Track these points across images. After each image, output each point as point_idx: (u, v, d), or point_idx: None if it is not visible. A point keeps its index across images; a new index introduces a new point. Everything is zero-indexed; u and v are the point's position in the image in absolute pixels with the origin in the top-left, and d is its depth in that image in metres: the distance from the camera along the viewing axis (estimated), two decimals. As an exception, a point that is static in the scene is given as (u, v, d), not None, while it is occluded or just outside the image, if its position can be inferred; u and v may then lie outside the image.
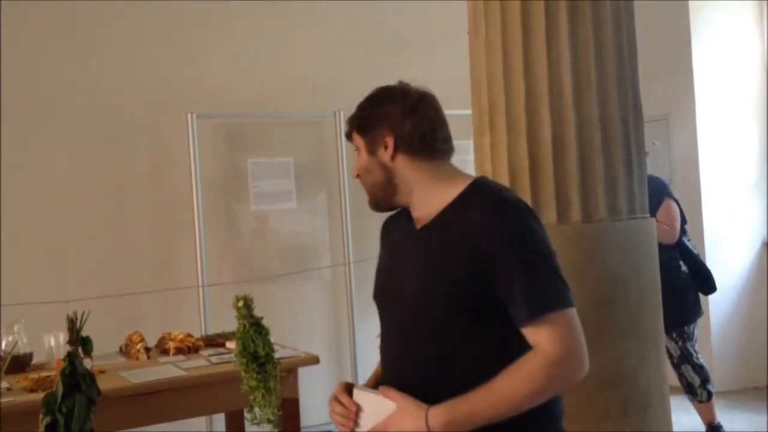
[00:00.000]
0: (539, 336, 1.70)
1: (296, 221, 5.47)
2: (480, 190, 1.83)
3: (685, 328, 4.43)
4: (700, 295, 4.56)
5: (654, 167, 4.53)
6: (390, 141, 1.85)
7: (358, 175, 1.94)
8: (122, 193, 5.00)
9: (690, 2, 5.76)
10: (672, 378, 4.31)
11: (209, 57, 5.23)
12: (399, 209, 2.00)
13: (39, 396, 2.74)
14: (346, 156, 5.38)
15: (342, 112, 5.35)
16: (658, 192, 4.36)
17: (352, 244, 5.34)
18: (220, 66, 5.24)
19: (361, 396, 1.86)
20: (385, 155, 1.86)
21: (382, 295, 1.96)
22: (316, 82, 5.44)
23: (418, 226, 1.87)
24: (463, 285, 1.74)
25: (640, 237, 2.88)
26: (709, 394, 4.45)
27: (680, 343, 4.42)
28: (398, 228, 1.97)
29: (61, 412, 2.34)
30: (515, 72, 2.82)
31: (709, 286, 4.55)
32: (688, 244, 4.53)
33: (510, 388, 1.68)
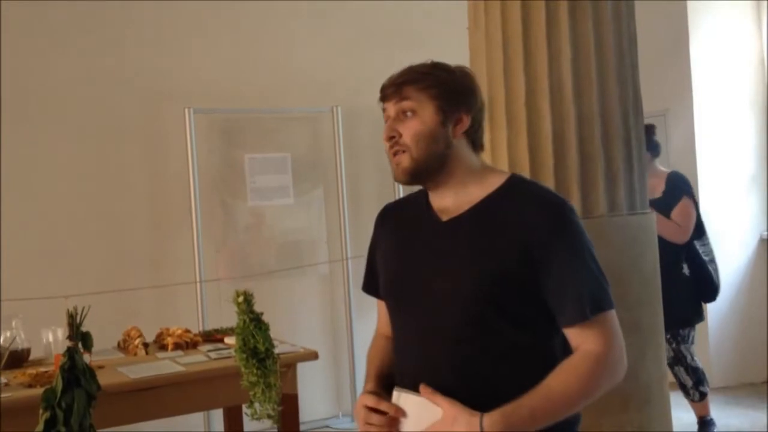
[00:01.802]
0: (587, 336, 1.68)
1: (293, 217, 5.46)
2: (522, 186, 1.80)
3: (680, 330, 4.35)
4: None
5: (651, 163, 4.52)
6: (467, 120, 1.78)
7: (392, 138, 1.77)
8: (119, 188, 4.99)
9: (688, -2, 5.78)
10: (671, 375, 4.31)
11: (207, 52, 5.21)
12: (401, 199, 1.98)
13: (37, 391, 2.74)
14: (344, 151, 5.37)
15: (339, 107, 5.35)
16: (679, 189, 4.35)
17: (350, 240, 5.34)
18: (217, 61, 5.22)
19: (402, 399, 1.74)
20: (454, 130, 1.77)
21: (400, 290, 1.84)
22: (314, 77, 5.43)
23: (445, 217, 1.78)
24: (507, 281, 1.69)
25: (640, 232, 2.88)
26: (702, 395, 4.42)
27: (673, 344, 4.36)
28: (410, 218, 1.88)
29: (60, 407, 2.33)
30: (515, 67, 2.81)
31: (709, 293, 4.44)
32: (699, 248, 4.41)
33: (566, 391, 1.65)
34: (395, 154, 1.77)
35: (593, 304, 1.68)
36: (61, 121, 4.84)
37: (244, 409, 2.76)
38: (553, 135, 2.78)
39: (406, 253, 1.85)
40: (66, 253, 4.78)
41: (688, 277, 4.38)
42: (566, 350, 1.73)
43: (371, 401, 1.78)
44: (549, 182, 2.76)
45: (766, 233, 5.85)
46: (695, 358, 4.44)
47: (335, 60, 5.50)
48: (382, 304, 1.96)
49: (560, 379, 1.66)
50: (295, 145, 5.46)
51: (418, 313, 1.78)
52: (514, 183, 1.79)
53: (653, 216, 2.96)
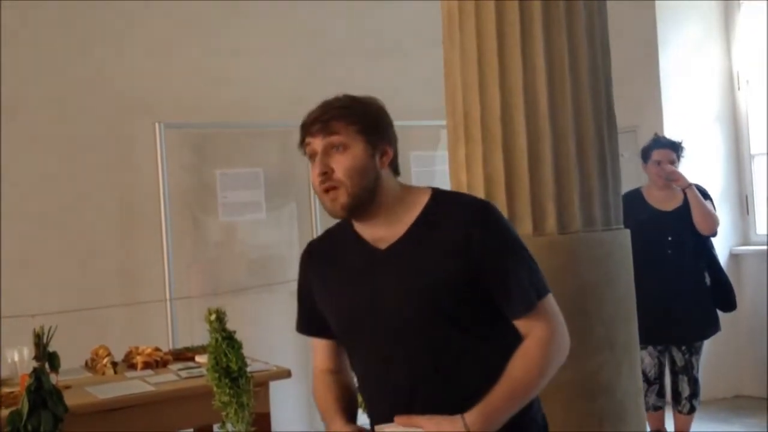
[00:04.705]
0: (533, 322, 1.81)
1: (265, 232, 5.41)
2: (446, 198, 1.90)
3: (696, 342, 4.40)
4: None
5: (623, 179, 4.55)
6: (391, 151, 1.87)
7: (325, 173, 1.81)
8: (88, 204, 4.91)
9: (657, 15, 5.83)
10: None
11: (177, 66, 5.17)
12: (323, 235, 2.04)
13: (2, 413, 2.67)
14: (316, 167, 5.33)
15: (312, 123, 5.31)
16: (702, 194, 4.44)
17: (322, 256, 5.30)
18: (188, 75, 5.17)
19: None
20: (381, 161, 1.85)
21: (358, 324, 1.88)
22: (286, 92, 5.39)
23: (383, 245, 1.85)
24: (457, 290, 1.78)
25: (615, 248, 2.87)
26: (692, 409, 4.45)
27: (686, 355, 4.40)
28: (343, 253, 1.92)
29: (26, 430, 2.27)
30: (490, 82, 2.81)
31: (727, 303, 4.47)
32: (716, 257, 4.48)
33: (526, 377, 1.78)
34: (327, 190, 1.81)
35: (536, 292, 1.82)
36: (29, 135, 4.76)
37: (216, 429, 2.71)
38: (529, 150, 2.77)
39: (353, 289, 1.89)
40: (33, 270, 4.68)
41: (709, 287, 4.43)
42: (517, 335, 1.84)
43: None
44: (524, 197, 2.76)
45: (736, 248, 5.90)
46: (699, 370, 4.46)
47: (307, 75, 5.47)
48: (318, 342, 2.02)
49: (520, 367, 1.78)
50: (267, 160, 5.42)
51: (381, 341, 1.84)
52: (438, 198, 1.89)
53: (628, 232, 2.95)
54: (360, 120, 1.83)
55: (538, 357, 1.79)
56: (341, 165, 1.81)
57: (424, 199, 1.87)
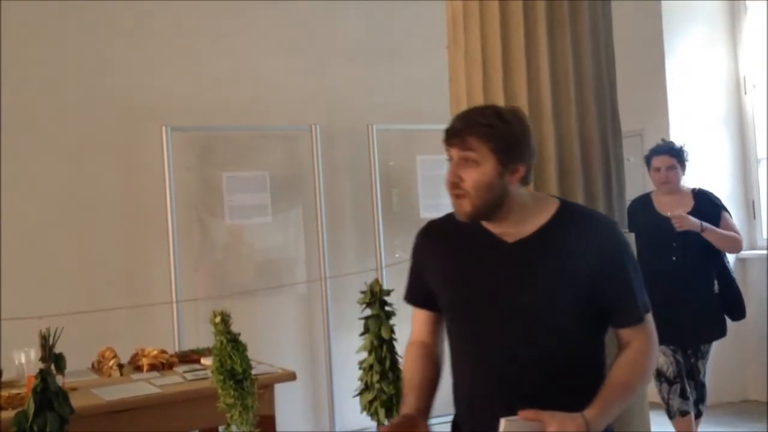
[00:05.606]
0: (637, 334, 1.99)
1: (272, 235, 5.44)
2: (577, 210, 2.11)
3: (701, 346, 4.37)
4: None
5: (628, 183, 4.54)
6: (522, 170, 1.97)
7: (454, 182, 1.94)
8: (95, 206, 4.94)
9: (664, 18, 5.83)
10: (651, 395, 4.28)
11: (185, 70, 5.19)
12: (445, 218, 2.12)
13: (9, 414, 2.69)
14: (322, 170, 5.35)
15: (318, 126, 5.33)
16: (715, 205, 4.42)
17: (328, 259, 5.30)
18: (195, 79, 5.20)
19: (511, 427, 1.81)
20: (511, 179, 1.96)
21: (474, 307, 2.00)
22: (292, 96, 5.42)
23: (510, 239, 1.99)
24: (581, 294, 1.94)
25: (619, 251, 2.86)
26: (698, 413, 4.40)
27: (692, 359, 4.37)
28: (466, 237, 2.03)
29: (32, 431, 2.28)
30: (494, 85, 2.80)
31: (737, 311, 4.42)
32: (727, 265, 4.43)
33: (632, 383, 1.95)
34: (457, 196, 1.97)
35: (644, 307, 2.00)
36: (36, 137, 4.78)
37: (221, 431, 2.73)
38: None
39: (475, 272, 2.02)
40: (39, 271, 4.71)
41: (717, 294, 4.39)
42: (600, 344, 2.04)
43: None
44: (528, 201, 2.75)
45: (742, 252, 5.88)
46: (705, 374, 4.44)
47: (314, 78, 5.49)
48: (420, 313, 2.16)
49: (627, 373, 1.95)
50: (273, 164, 5.44)
51: (494, 326, 1.97)
52: (567, 207, 2.06)
53: (632, 235, 2.95)
54: (496, 140, 1.93)
55: (641, 365, 1.98)
56: (471, 178, 1.94)
57: (553, 207, 2.03)
